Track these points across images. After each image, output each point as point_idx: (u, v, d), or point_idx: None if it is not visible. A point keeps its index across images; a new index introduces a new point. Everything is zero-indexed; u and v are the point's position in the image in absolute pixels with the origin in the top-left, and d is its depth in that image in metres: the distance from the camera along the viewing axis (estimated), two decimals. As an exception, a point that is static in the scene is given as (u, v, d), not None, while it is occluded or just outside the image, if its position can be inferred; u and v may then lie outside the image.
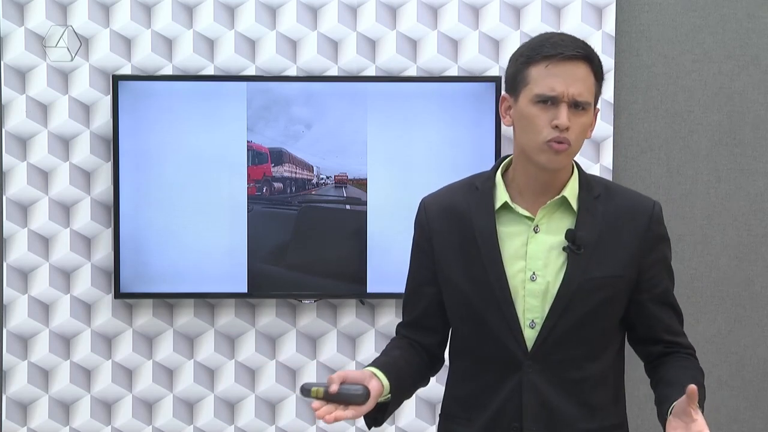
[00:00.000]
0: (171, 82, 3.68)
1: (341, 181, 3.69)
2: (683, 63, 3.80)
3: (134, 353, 3.79)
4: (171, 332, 3.79)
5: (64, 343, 3.78)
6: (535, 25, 3.73)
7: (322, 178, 3.69)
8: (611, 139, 3.76)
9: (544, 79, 2.10)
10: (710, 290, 3.84)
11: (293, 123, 3.68)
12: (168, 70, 3.73)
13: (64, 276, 3.76)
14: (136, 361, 3.79)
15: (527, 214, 2.18)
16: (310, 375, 3.78)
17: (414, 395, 3.81)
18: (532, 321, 2.17)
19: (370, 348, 3.78)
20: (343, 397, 2.06)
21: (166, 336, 3.79)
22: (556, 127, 2.10)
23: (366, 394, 2.07)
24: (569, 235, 2.15)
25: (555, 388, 2.17)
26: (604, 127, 3.75)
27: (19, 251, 3.75)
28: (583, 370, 2.20)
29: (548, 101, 2.10)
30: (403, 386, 2.23)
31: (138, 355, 3.79)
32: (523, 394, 2.17)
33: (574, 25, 3.73)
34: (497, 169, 2.25)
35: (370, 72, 3.73)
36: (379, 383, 2.13)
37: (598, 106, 2.23)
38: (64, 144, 3.74)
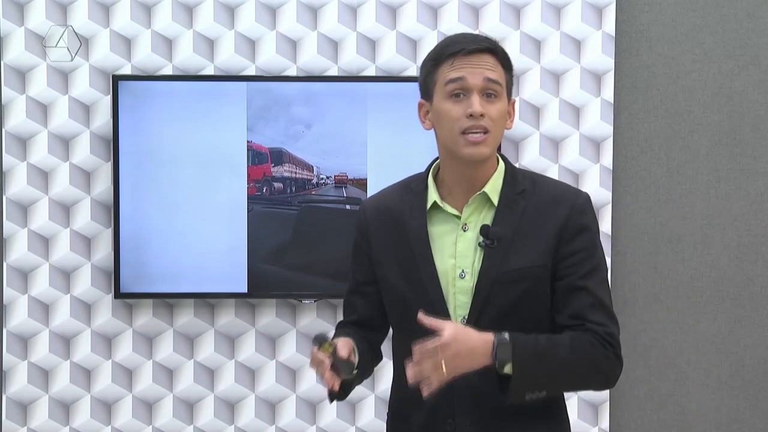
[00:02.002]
0: (171, 82, 3.68)
1: (341, 181, 3.68)
2: (683, 63, 3.80)
3: (134, 353, 3.79)
4: (171, 332, 3.79)
5: (64, 343, 3.78)
6: (535, 25, 3.73)
7: (322, 178, 3.69)
8: (611, 139, 3.76)
9: (452, 72, 2.17)
10: (710, 290, 3.84)
11: (293, 123, 3.68)
12: (168, 70, 3.73)
13: (64, 276, 3.76)
14: (136, 361, 3.79)
15: (455, 212, 2.23)
16: (310, 375, 3.78)
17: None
18: (463, 317, 2.20)
19: (370, 348, 3.78)
20: (339, 365, 2.14)
21: (166, 336, 3.79)
22: (471, 115, 2.14)
23: (350, 371, 2.17)
24: (483, 230, 2.19)
25: (485, 382, 2.15)
26: (604, 127, 3.75)
27: (19, 251, 3.75)
28: None
29: (460, 93, 2.16)
30: (362, 372, 2.30)
31: (138, 355, 3.79)
32: (455, 390, 2.18)
33: (574, 25, 3.73)
34: (429, 171, 2.30)
35: (370, 72, 3.73)
36: (354, 360, 2.22)
37: (514, 97, 2.28)
38: (64, 144, 3.74)
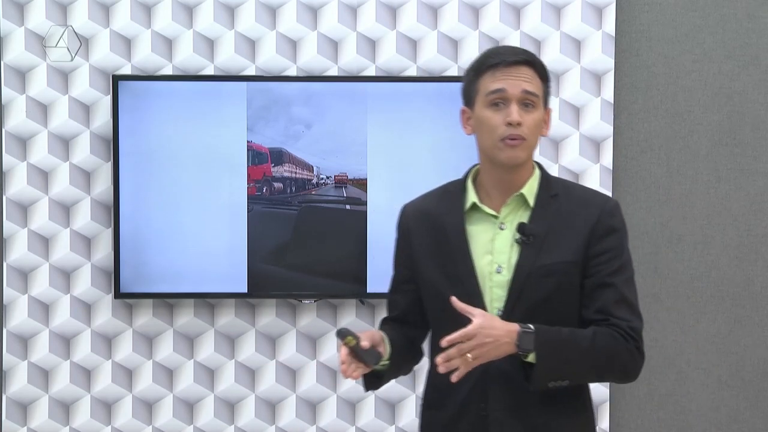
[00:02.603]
0: (171, 82, 3.68)
1: (341, 181, 3.69)
2: (683, 63, 3.80)
3: (134, 353, 3.79)
4: (171, 332, 3.79)
5: (64, 343, 3.78)
6: (535, 25, 3.73)
7: (322, 178, 3.69)
8: (611, 139, 3.76)
9: (493, 83, 2.33)
10: (710, 290, 3.84)
11: (293, 123, 3.68)
12: (168, 70, 3.73)
13: (64, 276, 3.76)
14: (136, 361, 3.79)
15: (493, 212, 2.38)
16: (310, 375, 3.79)
17: (414, 396, 3.81)
18: (499, 309, 2.33)
19: (370, 348, 3.78)
20: (363, 355, 2.29)
21: (166, 336, 3.79)
22: (509, 124, 2.30)
23: (377, 360, 2.32)
24: (519, 227, 2.35)
25: (517, 369, 2.29)
26: (604, 127, 3.75)
27: (19, 251, 3.75)
28: None
29: (499, 103, 2.32)
30: (397, 365, 2.44)
31: (138, 355, 3.79)
32: (489, 379, 2.32)
33: (574, 25, 3.73)
34: (468, 175, 2.46)
35: (370, 72, 3.73)
36: (384, 351, 2.37)
37: (551, 106, 2.41)
38: (64, 144, 3.74)
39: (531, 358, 2.25)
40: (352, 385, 3.78)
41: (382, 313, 3.73)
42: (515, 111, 2.30)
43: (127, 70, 3.73)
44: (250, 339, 3.79)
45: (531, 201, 2.38)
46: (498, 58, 2.33)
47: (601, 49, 3.74)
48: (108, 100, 3.72)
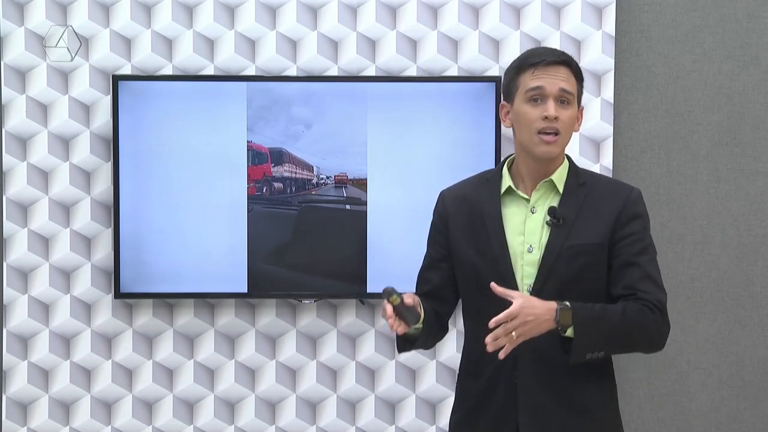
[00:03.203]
0: (171, 82, 3.68)
1: (341, 181, 3.69)
2: (683, 63, 3.80)
3: (134, 353, 3.79)
4: (171, 332, 3.79)
5: (64, 343, 3.78)
6: (535, 25, 3.73)
7: (322, 178, 3.69)
8: (611, 139, 3.76)
9: (533, 81, 2.54)
10: (710, 290, 3.84)
11: (293, 123, 3.68)
12: (168, 70, 3.73)
13: (64, 276, 3.76)
14: (136, 361, 3.79)
15: (525, 196, 2.60)
16: (310, 375, 3.79)
17: (415, 397, 3.82)
18: (530, 285, 2.55)
19: (370, 348, 3.78)
20: (405, 313, 2.47)
21: (166, 336, 3.79)
22: (546, 118, 2.51)
23: (416, 320, 2.51)
24: (550, 210, 2.56)
25: (544, 342, 2.48)
26: (604, 127, 3.75)
27: (19, 251, 3.75)
28: None
29: (538, 99, 2.53)
30: (428, 332, 2.63)
31: (138, 355, 3.79)
32: (518, 349, 2.46)
33: (574, 25, 3.73)
34: (504, 164, 2.67)
35: (370, 72, 3.73)
36: (420, 313, 2.55)
37: (583, 104, 2.62)
38: (64, 144, 3.74)
39: (569, 333, 2.44)
40: (352, 385, 3.79)
41: (382, 313, 3.77)
42: (552, 106, 2.51)
43: (127, 70, 3.73)
44: (250, 339, 3.79)
45: (560, 187, 2.59)
46: (538, 58, 2.55)
47: (601, 49, 3.74)
48: (108, 100, 3.72)
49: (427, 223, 3.68)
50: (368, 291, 3.69)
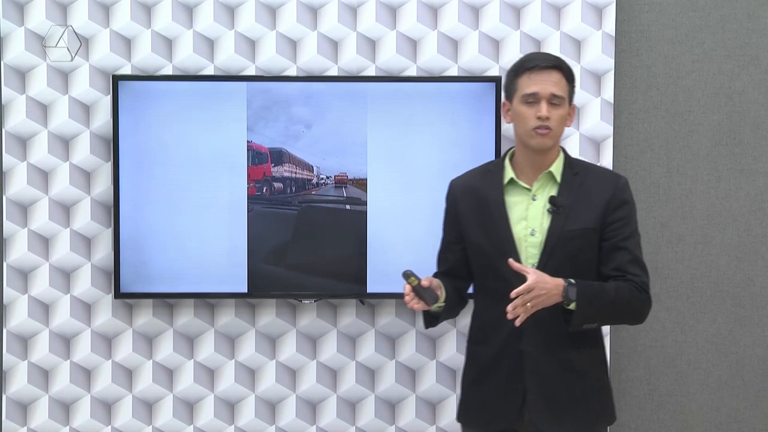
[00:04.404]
0: (171, 82, 3.68)
1: (341, 181, 3.69)
2: (683, 63, 3.80)
3: (134, 353, 3.79)
4: (171, 332, 3.79)
5: (64, 343, 3.78)
6: (535, 25, 3.73)
7: (322, 178, 3.69)
8: (611, 139, 3.76)
9: (528, 84, 2.97)
10: (710, 290, 3.84)
11: (293, 123, 3.68)
12: (168, 70, 3.73)
13: (64, 276, 3.76)
14: (136, 361, 3.79)
15: (527, 186, 3.01)
16: (310, 375, 3.79)
17: (415, 397, 3.82)
18: (532, 265, 2.94)
19: (370, 348, 3.78)
20: (423, 293, 2.94)
21: (166, 336, 3.79)
22: (539, 117, 2.94)
23: (434, 300, 2.97)
24: (551, 199, 2.97)
25: (546, 314, 2.89)
26: (604, 127, 3.75)
27: (19, 251, 3.75)
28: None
29: (532, 101, 2.95)
30: (449, 307, 3.08)
31: (138, 355, 3.79)
32: (524, 322, 2.85)
33: (574, 25, 3.73)
34: (505, 156, 3.08)
35: (370, 72, 3.74)
36: (441, 294, 3.02)
37: (574, 103, 3.06)
38: (64, 144, 3.74)
39: (572, 306, 2.87)
40: (352, 385, 3.79)
41: (383, 313, 3.78)
42: (544, 108, 2.93)
43: (127, 70, 3.73)
44: (250, 339, 3.79)
45: (558, 177, 3.00)
46: (533, 63, 2.96)
47: (601, 49, 3.74)
48: (108, 100, 3.72)
49: (426, 222, 3.68)
50: (368, 291, 3.69)
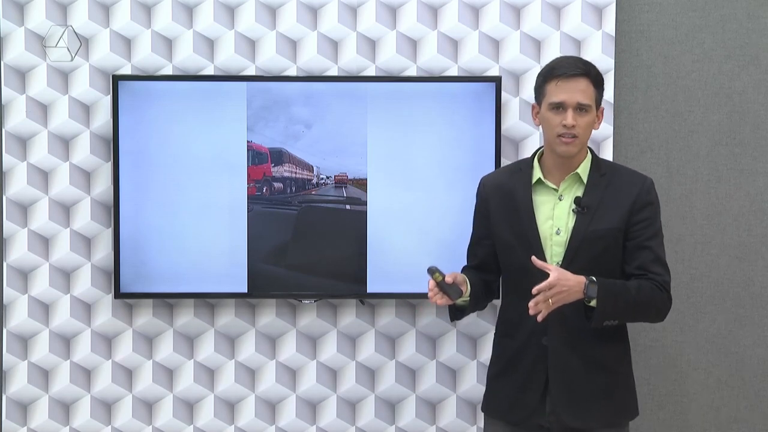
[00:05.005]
0: (171, 82, 3.68)
1: (341, 181, 3.69)
2: (683, 63, 3.80)
3: (134, 353, 3.79)
4: (171, 332, 3.79)
5: (64, 343, 3.78)
6: (535, 25, 3.73)
7: (322, 178, 3.69)
8: (611, 139, 3.76)
9: (555, 92, 3.01)
10: (710, 290, 3.84)
11: (293, 123, 3.68)
12: (168, 70, 3.73)
13: (64, 276, 3.76)
14: (136, 361, 3.79)
15: (554, 186, 3.08)
16: (310, 375, 3.79)
17: (415, 397, 3.81)
18: (558, 263, 3.01)
19: (370, 348, 3.78)
20: (447, 289, 3.00)
21: (166, 336, 3.79)
22: (564, 125, 2.99)
23: (458, 295, 3.04)
24: (576, 200, 3.04)
25: (570, 310, 2.96)
26: (604, 127, 3.75)
27: (19, 251, 3.75)
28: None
29: (559, 108, 3.00)
30: (475, 301, 3.16)
31: (138, 355, 3.79)
32: (548, 317, 2.93)
33: (574, 25, 3.73)
34: (534, 156, 3.14)
35: (370, 72, 3.73)
36: (465, 290, 3.08)
37: (603, 105, 3.08)
38: (64, 144, 3.74)
39: (593, 303, 2.93)
40: (352, 385, 3.79)
41: (383, 313, 3.77)
42: (570, 116, 2.98)
43: (127, 70, 3.73)
44: (250, 339, 3.79)
45: (584, 178, 3.06)
46: (561, 70, 3.00)
47: (601, 49, 3.74)
48: (108, 100, 3.72)
49: (426, 222, 3.68)
50: (368, 291, 3.69)
